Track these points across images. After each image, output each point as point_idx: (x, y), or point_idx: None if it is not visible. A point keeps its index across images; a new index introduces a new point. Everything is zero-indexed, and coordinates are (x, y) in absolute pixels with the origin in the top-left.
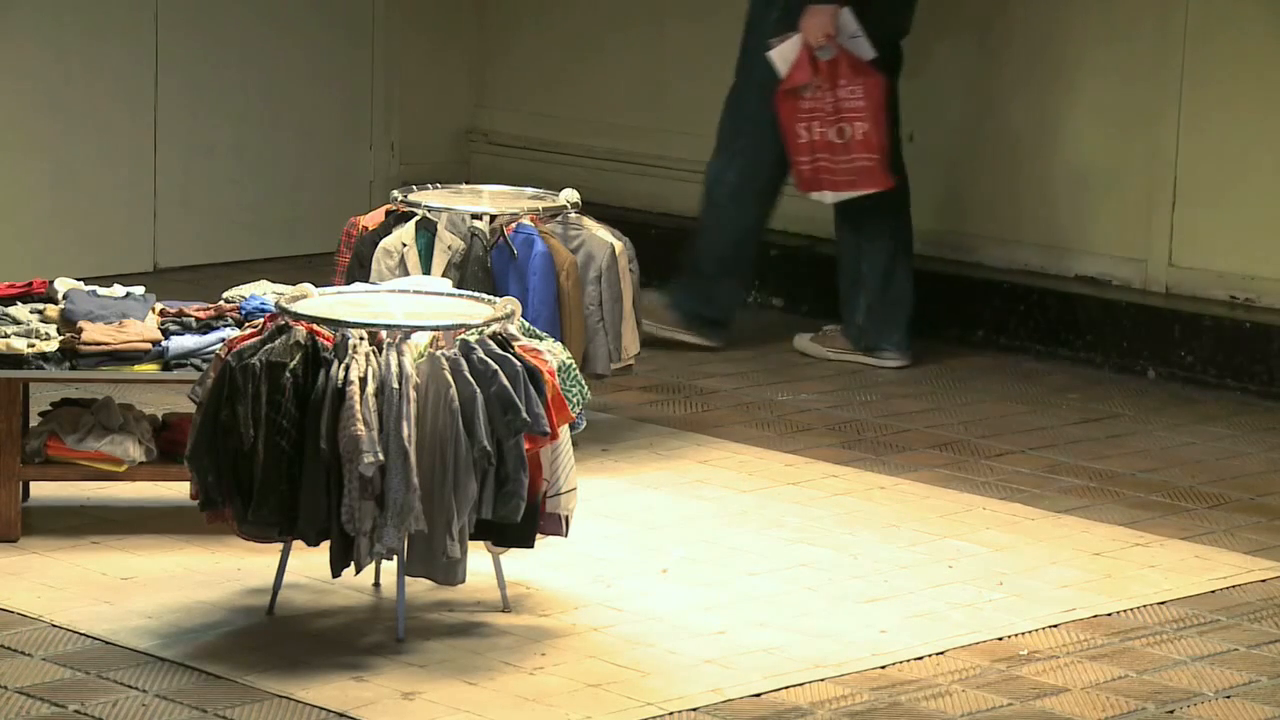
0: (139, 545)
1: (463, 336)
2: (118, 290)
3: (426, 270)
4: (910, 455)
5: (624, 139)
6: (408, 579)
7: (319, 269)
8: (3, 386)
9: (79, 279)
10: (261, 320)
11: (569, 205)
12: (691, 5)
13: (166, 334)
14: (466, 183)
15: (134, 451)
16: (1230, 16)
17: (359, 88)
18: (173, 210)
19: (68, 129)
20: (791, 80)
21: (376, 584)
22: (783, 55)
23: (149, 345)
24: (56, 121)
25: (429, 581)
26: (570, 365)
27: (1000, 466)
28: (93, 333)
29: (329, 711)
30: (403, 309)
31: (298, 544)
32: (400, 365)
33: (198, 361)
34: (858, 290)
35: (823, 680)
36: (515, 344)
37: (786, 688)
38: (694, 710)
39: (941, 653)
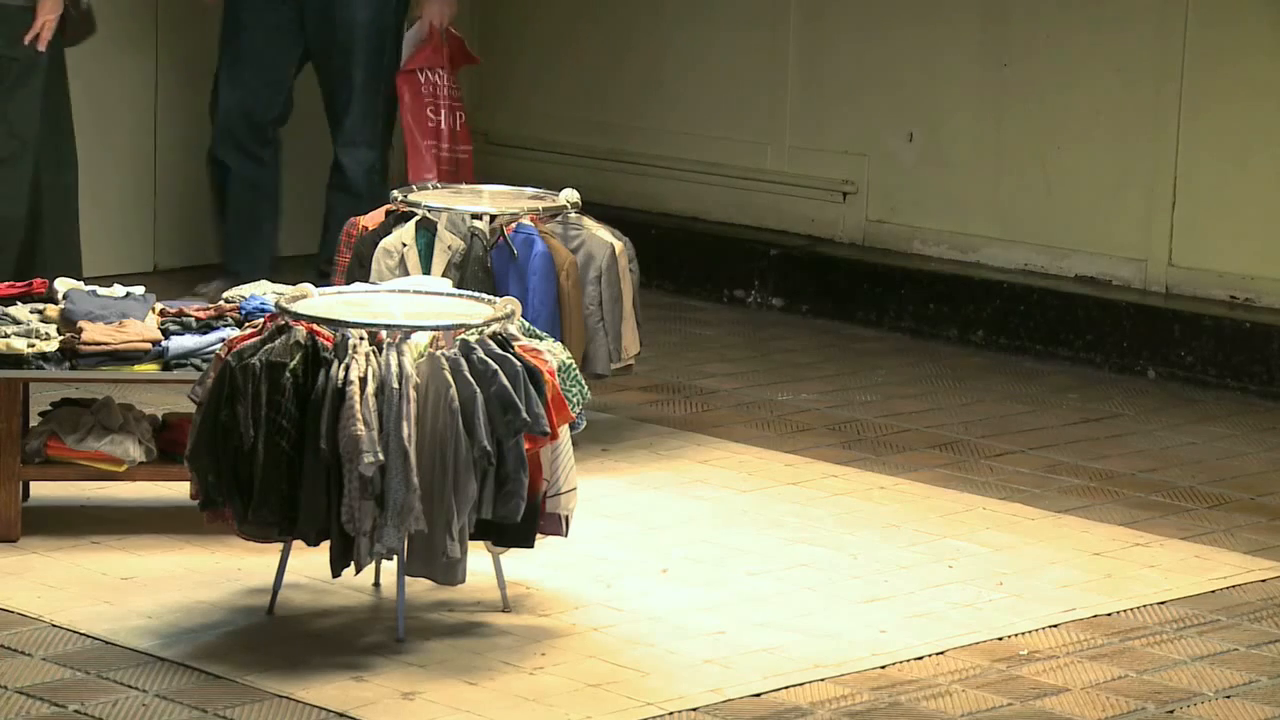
0: (139, 545)
1: (463, 336)
2: (118, 290)
3: (426, 270)
4: (910, 455)
5: (624, 139)
6: (408, 579)
7: (319, 269)
8: (3, 386)
9: (79, 279)
10: (261, 320)
11: (569, 205)
12: (691, 5)
13: (166, 334)
14: (466, 182)
15: (134, 451)
16: (1230, 17)
17: None
18: (173, 210)
19: None
20: (416, 61)
21: (376, 584)
22: (409, 40)
23: (149, 345)
24: None
25: (429, 581)
26: (570, 365)
27: (1000, 466)
28: (93, 333)
29: (329, 711)
30: (403, 309)
31: (298, 544)
32: (400, 365)
33: (198, 361)
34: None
35: (823, 680)
36: (515, 344)
37: (786, 688)
38: (694, 710)
39: (941, 653)
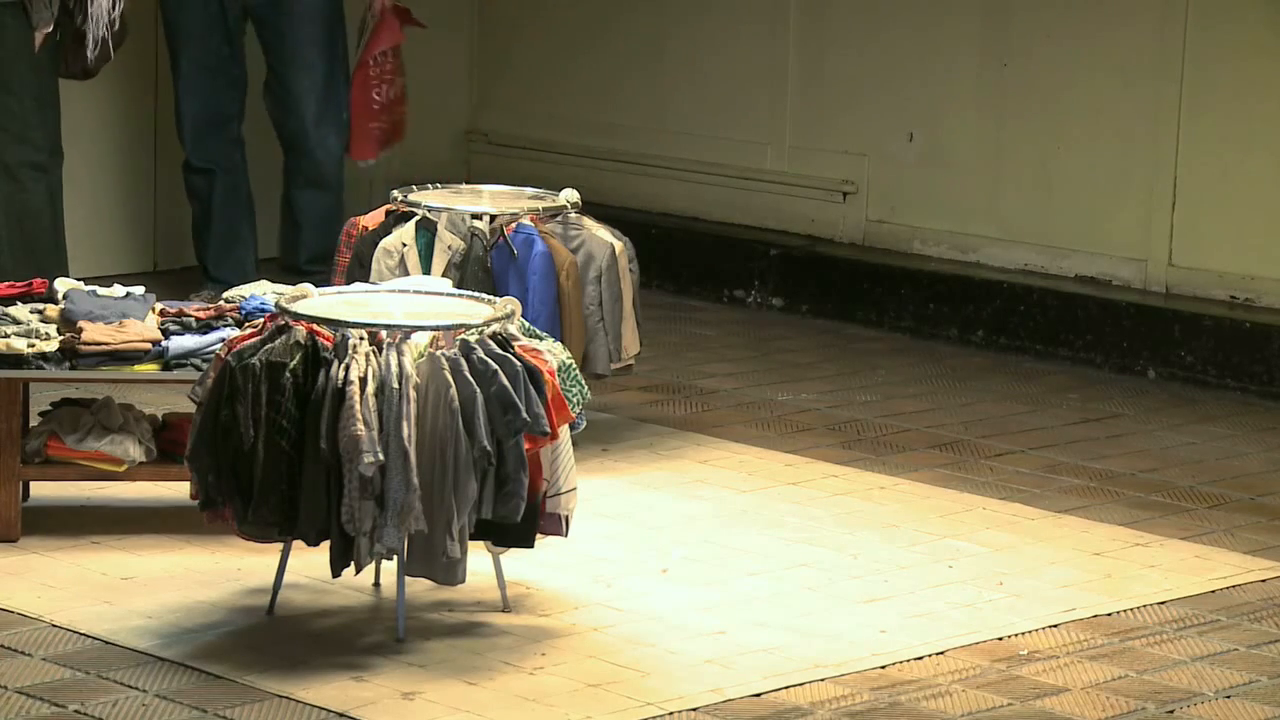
0: (139, 545)
1: (463, 336)
2: (118, 290)
3: (426, 270)
4: (910, 455)
5: (624, 139)
6: (408, 579)
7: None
8: (3, 386)
9: (79, 279)
10: (261, 320)
11: (569, 205)
12: (691, 5)
13: (166, 334)
14: (466, 183)
15: (134, 451)
16: (1230, 16)
17: None
18: (173, 210)
19: (67, 129)
20: (373, 48)
21: (376, 584)
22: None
23: (149, 345)
24: None
25: (429, 581)
26: (570, 365)
27: (1000, 466)
28: (93, 333)
29: (329, 711)
30: (403, 309)
31: (298, 544)
32: (400, 365)
33: (198, 361)
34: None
35: (823, 680)
36: (515, 344)
37: (786, 688)
38: (694, 710)
39: (941, 653)
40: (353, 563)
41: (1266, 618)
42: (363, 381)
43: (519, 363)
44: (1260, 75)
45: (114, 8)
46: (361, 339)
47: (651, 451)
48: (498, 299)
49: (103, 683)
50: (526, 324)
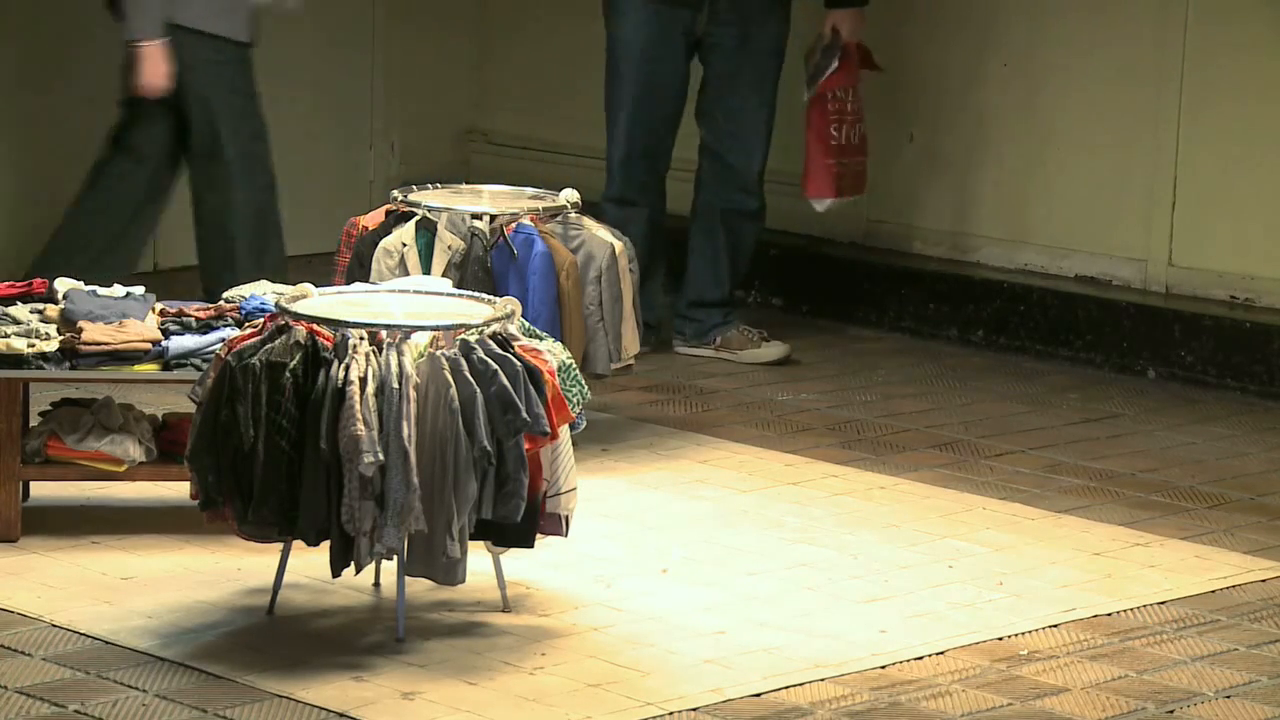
0: (139, 545)
1: (463, 336)
2: (118, 290)
3: (426, 270)
4: (910, 455)
5: None
6: (408, 579)
7: (319, 269)
8: (3, 386)
9: (79, 279)
10: (261, 320)
11: (569, 205)
12: None
13: (166, 334)
14: (466, 183)
15: (134, 451)
16: (1230, 16)
17: (359, 88)
18: (173, 210)
19: (67, 129)
20: (829, 84)
21: (376, 584)
22: (824, 56)
23: (149, 345)
24: (56, 121)
25: (429, 581)
26: (570, 365)
27: (1000, 466)
28: (93, 333)
29: (329, 711)
30: (403, 309)
31: (298, 544)
32: (400, 365)
33: (198, 361)
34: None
35: (823, 680)
36: (515, 344)
37: (786, 688)
38: (694, 710)
39: (941, 653)
40: (353, 563)
41: (1266, 618)
42: (363, 381)
43: (519, 363)
44: (1260, 75)
45: None
46: (361, 339)
47: (651, 451)
48: (498, 299)
49: (103, 683)
50: (526, 324)
